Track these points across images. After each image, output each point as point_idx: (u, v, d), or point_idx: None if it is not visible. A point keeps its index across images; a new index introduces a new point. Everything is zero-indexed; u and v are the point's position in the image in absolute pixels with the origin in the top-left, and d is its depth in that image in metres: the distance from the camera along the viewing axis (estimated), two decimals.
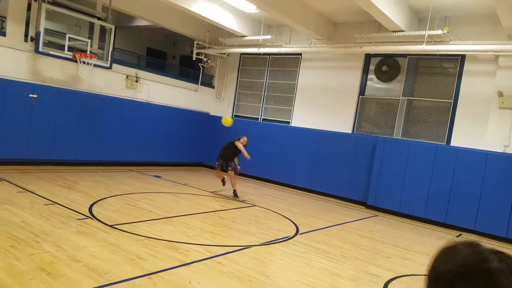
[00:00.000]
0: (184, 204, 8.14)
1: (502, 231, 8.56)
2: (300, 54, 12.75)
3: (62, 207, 6.54)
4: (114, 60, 11.61)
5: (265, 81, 13.88)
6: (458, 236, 8.69)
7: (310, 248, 6.09)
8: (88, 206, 6.80)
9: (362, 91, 11.64)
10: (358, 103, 11.66)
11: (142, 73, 12.58)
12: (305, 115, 12.67)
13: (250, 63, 14.35)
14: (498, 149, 8.92)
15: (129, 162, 12.27)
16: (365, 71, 11.62)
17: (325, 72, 12.28)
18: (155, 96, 12.98)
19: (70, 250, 4.67)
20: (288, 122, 13.13)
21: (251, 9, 11.50)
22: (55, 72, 10.44)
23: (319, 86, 12.40)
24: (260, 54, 13.48)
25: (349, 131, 11.69)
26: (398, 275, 5.36)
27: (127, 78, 12.13)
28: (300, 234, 6.88)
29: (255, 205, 8.96)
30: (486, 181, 8.81)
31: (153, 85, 12.88)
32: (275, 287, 4.43)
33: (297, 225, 7.51)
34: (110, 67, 11.12)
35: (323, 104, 12.24)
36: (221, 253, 5.26)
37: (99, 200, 7.37)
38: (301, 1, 10.31)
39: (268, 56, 13.67)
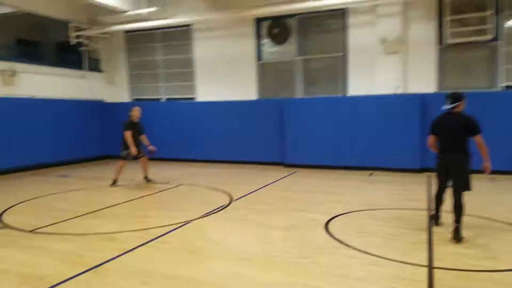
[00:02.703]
0: (105, 196, 7.57)
1: (407, 163, 9.63)
2: (189, 25, 12.41)
3: None
4: None
5: (158, 58, 13.31)
6: (370, 175, 9.62)
7: (249, 211, 6.19)
8: None
9: (259, 57, 11.89)
10: (258, 69, 11.90)
11: (19, 66, 11.07)
12: (209, 88, 12.56)
13: (138, 41, 13.58)
14: (390, 91, 9.95)
15: (25, 167, 10.87)
16: (258, 36, 11.82)
17: (220, 42, 12.23)
18: (38, 90, 11.57)
19: None
20: (193, 98, 12.89)
21: None
22: None
23: (216, 56, 12.31)
24: (146, 29, 12.85)
25: (255, 97, 11.93)
26: (334, 215, 5.77)
27: (1, 73, 10.57)
28: (235, 200, 6.94)
29: (181, 184, 8.73)
30: (383, 121, 9.80)
31: (33, 78, 11.46)
32: (229, 249, 4.44)
33: (230, 193, 7.53)
34: None
35: (225, 74, 12.24)
36: (162, 233, 5.06)
37: (7, 209, 6.47)
38: None
39: (156, 31, 13.07)
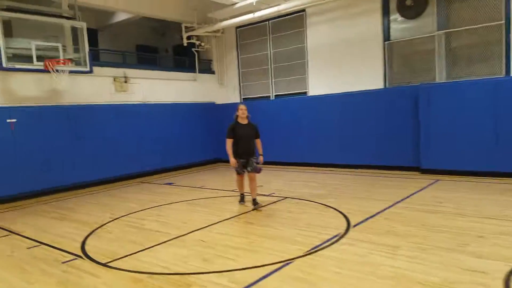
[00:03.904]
0: (200, 213, 6.59)
1: None
2: (304, 10, 10.89)
3: (49, 248, 5.12)
4: (97, 63, 10.16)
5: (269, 51, 12.09)
6: None
7: (373, 246, 4.42)
8: (82, 240, 5.36)
9: (386, 36, 9.70)
10: (384, 51, 9.72)
11: (131, 72, 11.03)
12: (323, 80, 10.86)
13: (248, 36, 12.56)
14: None
15: (138, 174, 10.86)
16: (386, 11, 9.64)
17: (337, 24, 10.38)
18: (151, 95, 11.44)
19: None
20: (305, 93, 11.36)
21: None
22: (30, 88, 9.00)
23: (333, 42, 10.53)
24: (257, 21, 11.73)
25: (381, 86, 9.81)
26: None
27: (114, 80, 10.61)
28: (354, 226, 5.21)
29: (286, 197, 7.33)
30: None
31: (146, 83, 11.33)
32: None
33: (346, 214, 5.83)
34: (90, 71, 9.61)
35: (343, 62, 10.38)
36: (251, 282, 3.67)
37: (97, 228, 5.93)
38: None
39: (267, 22, 11.87)
